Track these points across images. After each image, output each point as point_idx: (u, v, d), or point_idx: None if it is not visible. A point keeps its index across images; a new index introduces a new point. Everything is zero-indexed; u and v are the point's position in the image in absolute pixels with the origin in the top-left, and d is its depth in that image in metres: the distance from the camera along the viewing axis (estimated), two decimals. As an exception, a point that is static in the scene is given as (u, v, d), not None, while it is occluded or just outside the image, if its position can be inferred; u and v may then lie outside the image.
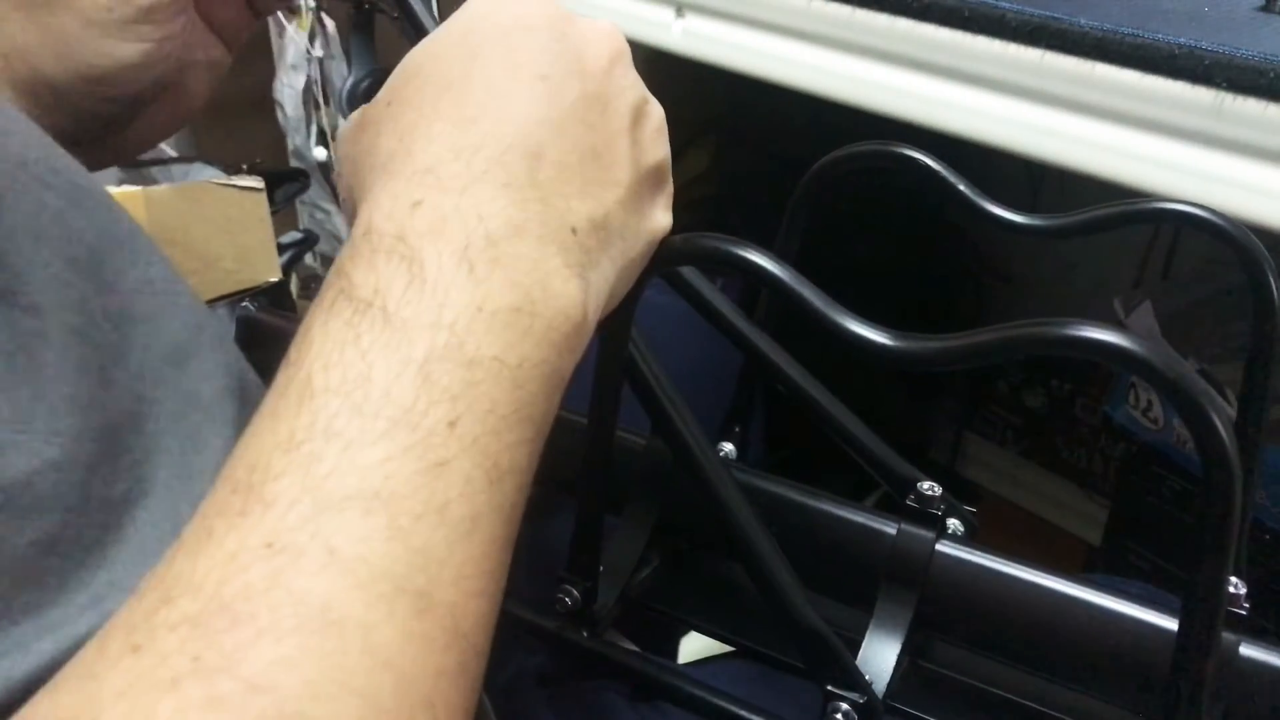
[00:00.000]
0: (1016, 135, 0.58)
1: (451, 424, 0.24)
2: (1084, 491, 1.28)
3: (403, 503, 0.23)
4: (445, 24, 0.32)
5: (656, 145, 0.34)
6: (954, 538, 0.43)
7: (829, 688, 0.39)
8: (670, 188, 0.35)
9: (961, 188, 0.44)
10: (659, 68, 1.27)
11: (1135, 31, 0.53)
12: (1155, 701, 0.39)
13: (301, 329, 0.26)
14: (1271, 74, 0.49)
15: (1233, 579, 0.38)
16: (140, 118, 0.41)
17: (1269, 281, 0.40)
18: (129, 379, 0.27)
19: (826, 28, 0.64)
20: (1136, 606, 0.39)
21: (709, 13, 0.70)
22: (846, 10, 0.62)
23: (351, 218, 0.29)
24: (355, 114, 0.32)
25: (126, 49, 0.37)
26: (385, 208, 0.27)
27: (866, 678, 0.40)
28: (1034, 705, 0.43)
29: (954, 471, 1.37)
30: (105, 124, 0.40)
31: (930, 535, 0.42)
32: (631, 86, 0.32)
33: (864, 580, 0.43)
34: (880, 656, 0.41)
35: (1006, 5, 0.57)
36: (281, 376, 0.25)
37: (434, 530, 0.23)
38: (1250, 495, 0.47)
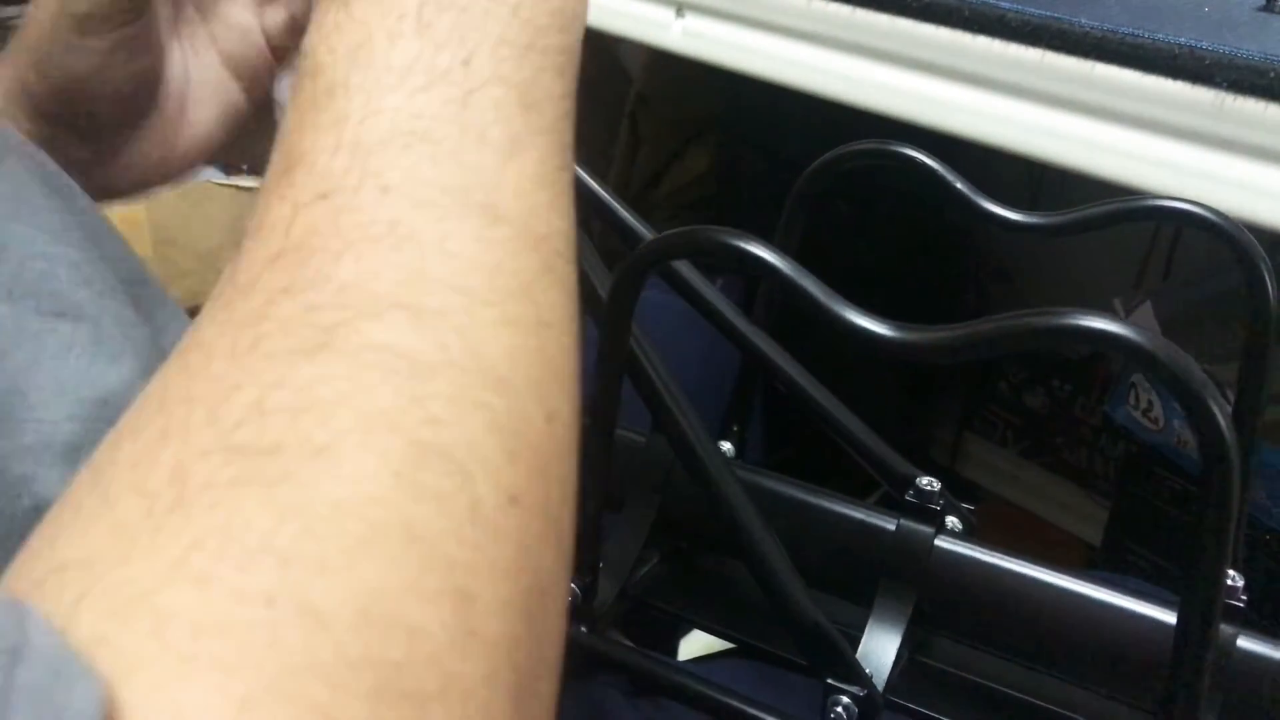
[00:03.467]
0: (1016, 135, 0.58)
1: (465, 61, 0.24)
2: (1084, 491, 1.28)
3: (441, 130, 0.23)
4: None
5: None
6: (952, 533, 0.43)
7: (829, 681, 0.39)
8: None
9: (959, 186, 0.44)
10: (659, 68, 1.28)
11: (1135, 31, 0.53)
12: (1153, 694, 0.39)
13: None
14: (1271, 74, 0.49)
15: (1230, 572, 0.38)
16: (129, 144, 0.41)
17: (1264, 277, 0.40)
18: None
19: (827, 28, 0.64)
20: (1135, 600, 0.40)
21: (709, 13, 0.70)
22: (846, 10, 0.62)
23: None
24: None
25: (74, 58, 0.38)
26: None
27: (866, 672, 0.40)
28: (1033, 699, 0.43)
29: (954, 471, 1.37)
30: (91, 146, 0.41)
31: (929, 530, 0.42)
32: None
33: (863, 576, 0.43)
34: (880, 651, 0.41)
35: (1006, 5, 0.57)
36: (296, 78, 0.25)
37: (479, 152, 0.24)
38: (1247, 488, 0.47)
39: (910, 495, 0.44)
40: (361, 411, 0.19)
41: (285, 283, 0.21)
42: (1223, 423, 0.27)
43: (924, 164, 0.45)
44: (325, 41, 0.25)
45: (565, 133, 0.26)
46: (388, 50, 0.24)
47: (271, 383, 0.19)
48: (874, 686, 0.40)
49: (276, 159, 0.24)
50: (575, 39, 0.28)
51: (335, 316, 0.20)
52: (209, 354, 0.20)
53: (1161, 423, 1.01)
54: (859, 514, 0.44)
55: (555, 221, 0.24)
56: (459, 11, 0.25)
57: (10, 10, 1.15)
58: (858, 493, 0.46)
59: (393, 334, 0.20)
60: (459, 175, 0.23)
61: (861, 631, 0.42)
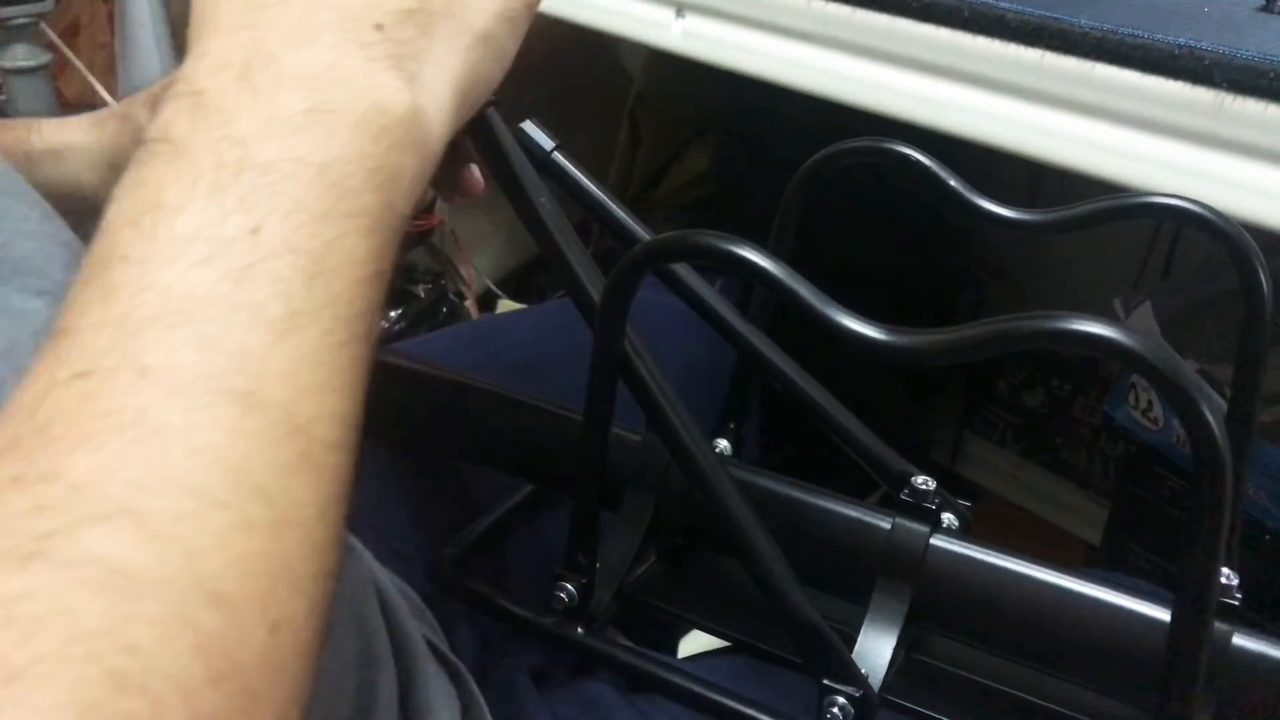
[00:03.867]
0: (1016, 135, 0.58)
1: (254, 230, 0.24)
2: (1084, 491, 1.28)
3: (208, 310, 0.23)
4: None
5: None
6: (949, 531, 0.43)
7: (825, 681, 0.39)
8: None
9: (953, 183, 0.44)
10: (659, 68, 1.28)
11: (1135, 31, 0.53)
12: (1149, 692, 0.39)
13: None
14: (1271, 74, 0.49)
15: (1224, 570, 0.38)
16: None
17: (1259, 274, 0.40)
18: None
19: (827, 28, 0.64)
20: (1130, 598, 0.40)
21: (709, 13, 0.70)
22: (846, 10, 0.62)
23: None
24: None
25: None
26: (180, 71, 0.27)
27: (862, 671, 0.40)
28: (1029, 697, 0.43)
29: (954, 471, 1.37)
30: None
31: (925, 529, 0.42)
32: None
33: (859, 575, 0.43)
34: (876, 650, 0.41)
35: (1006, 5, 0.57)
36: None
37: (247, 334, 0.23)
38: (1241, 487, 0.47)
39: (906, 494, 0.44)
40: (62, 635, 0.18)
41: (16, 471, 0.20)
42: (1213, 423, 0.27)
43: (918, 161, 0.45)
44: (115, 204, 0.24)
45: (363, 299, 0.25)
46: (172, 219, 0.23)
47: None
48: (870, 687, 0.40)
49: (55, 324, 0.23)
50: (396, 196, 0.27)
51: (58, 521, 0.19)
52: None
53: (1161, 422, 1.01)
54: (855, 512, 0.44)
55: (326, 403, 0.24)
56: (257, 174, 0.24)
57: (10, 10, 1.15)
58: (856, 493, 0.46)
59: (111, 545, 0.19)
60: (221, 360, 0.22)
61: (858, 630, 0.42)
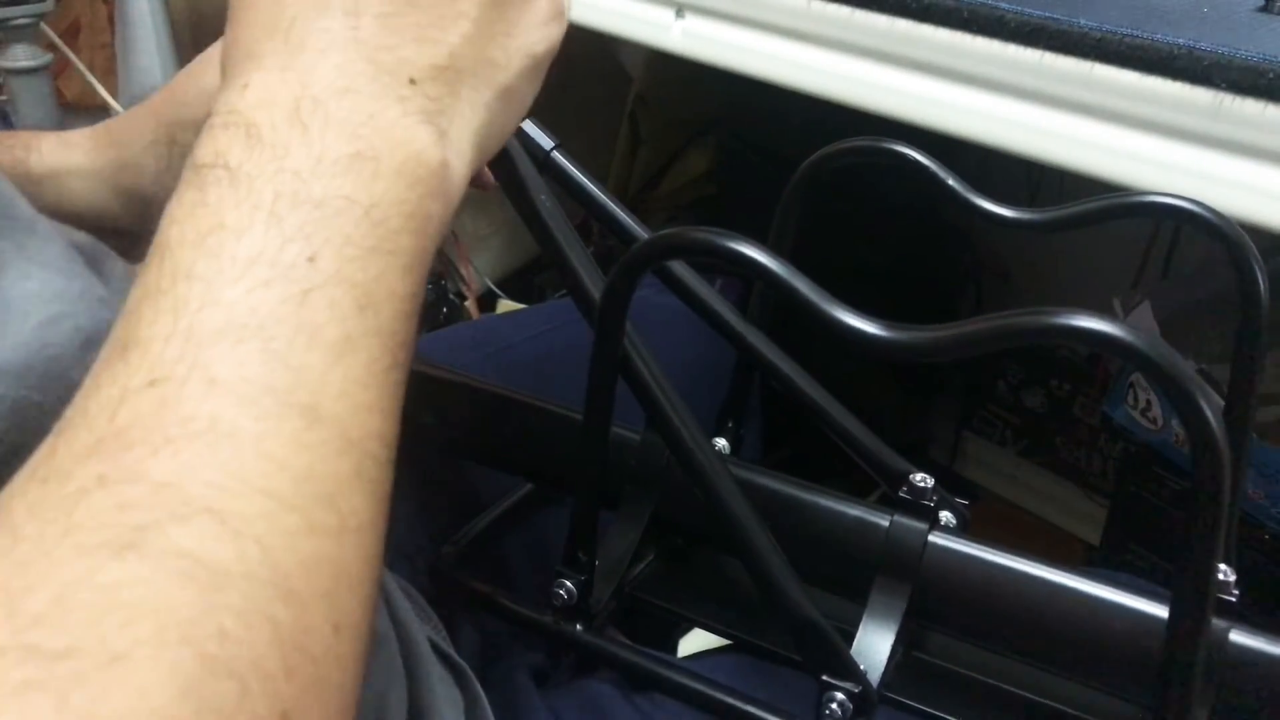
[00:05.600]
0: (1016, 136, 0.58)
1: (311, 259, 0.25)
2: (1083, 491, 1.28)
3: (273, 328, 0.24)
4: None
5: None
6: (947, 529, 0.43)
7: (824, 677, 0.39)
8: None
9: (950, 182, 0.44)
10: (659, 68, 1.28)
11: (1134, 32, 0.53)
12: (1148, 689, 0.39)
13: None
14: (1271, 74, 0.49)
15: (1222, 566, 0.39)
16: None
17: (1255, 272, 0.40)
18: None
19: (826, 28, 0.64)
20: (1128, 595, 0.40)
21: (709, 13, 0.70)
22: (846, 11, 0.62)
23: None
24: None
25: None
26: (217, 101, 0.28)
27: (861, 668, 0.40)
28: (1028, 694, 0.44)
29: (954, 472, 1.37)
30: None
31: (923, 526, 0.43)
32: None
33: (858, 573, 0.43)
34: (875, 647, 0.41)
35: (1006, 6, 0.57)
36: (148, 253, 0.26)
37: (308, 352, 0.24)
38: (1239, 483, 0.47)
39: (904, 491, 0.44)
40: (160, 621, 0.20)
41: (102, 471, 0.21)
42: (1211, 417, 0.28)
43: (915, 160, 0.45)
44: (177, 224, 0.25)
45: (402, 331, 0.27)
46: (236, 241, 0.25)
47: (75, 580, 0.20)
48: (869, 683, 0.40)
49: (116, 333, 0.24)
50: (428, 241, 0.28)
51: (146, 517, 0.21)
52: (15, 537, 0.20)
53: (1160, 422, 1.02)
54: (853, 510, 0.44)
55: (374, 423, 0.25)
56: (312, 208, 0.26)
57: (11, 10, 1.15)
58: (857, 494, 0.46)
59: (198, 541, 0.21)
60: (285, 375, 0.24)
61: (856, 628, 0.42)
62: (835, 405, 0.47)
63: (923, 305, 1.19)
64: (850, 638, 0.41)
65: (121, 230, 0.47)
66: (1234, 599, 0.39)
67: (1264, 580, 0.94)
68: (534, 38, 0.33)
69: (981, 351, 0.29)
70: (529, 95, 0.34)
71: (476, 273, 1.38)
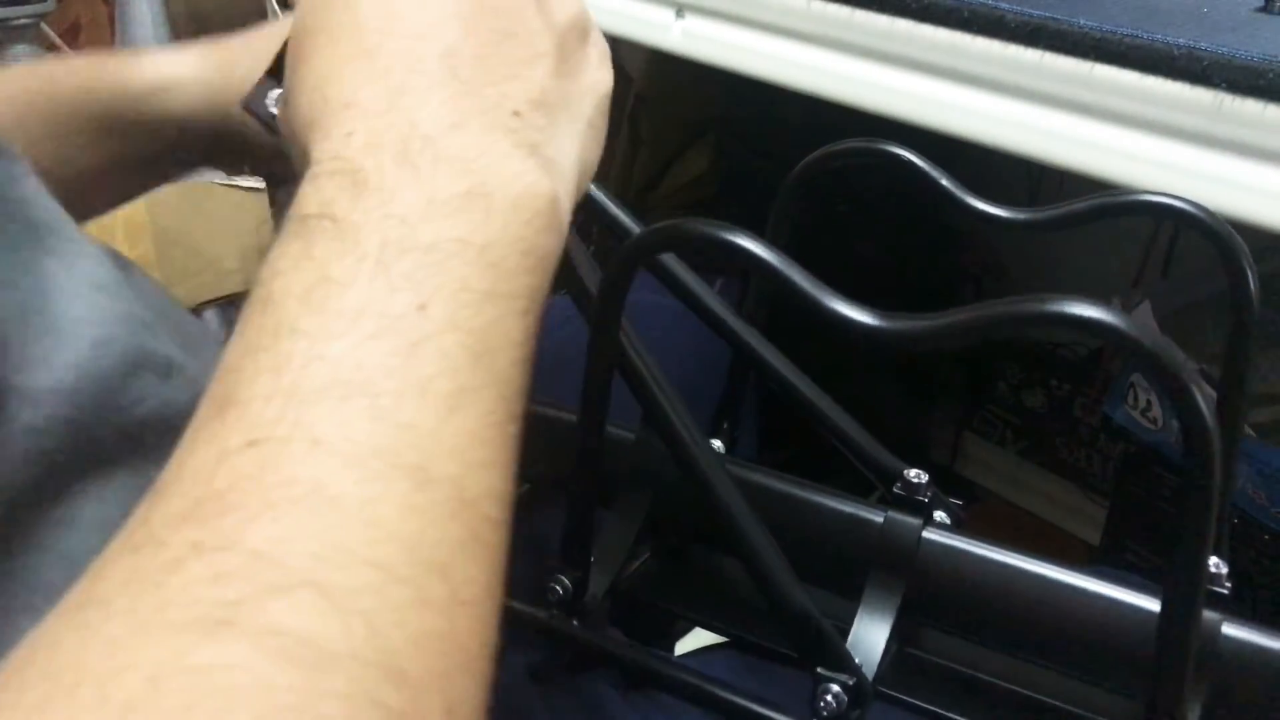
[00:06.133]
0: (1016, 136, 0.58)
1: (421, 306, 0.24)
2: (1083, 491, 1.28)
3: (380, 384, 0.23)
4: None
5: (564, 3, 0.33)
6: (940, 525, 0.43)
7: (819, 670, 0.39)
8: (600, 42, 0.35)
9: (944, 182, 0.44)
10: (659, 68, 1.27)
11: (1134, 32, 0.53)
12: (1140, 682, 0.39)
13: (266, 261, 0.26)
14: (1271, 74, 0.49)
15: (1214, 559, 0.39)
16: None
17: (1245, 271, 0.40)
18: None
19: (826, 29, 0.64)
20: (1121, 589, 0.40)
21: (709, 13, 0.70)
22: (846, 11, 0.62)
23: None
24: (275, 90, 0.33)
25: None
26: (319, 149, 0.27)
27: (856, 660, 0.40)
28: (1021, 689, 0.44)
29: (953, 472, 1.37)
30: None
31: (917, 522, 0.43)
32: None
33: (853, 569, 0.43)
34: (869, 642, 0.41)
35: (1006, 6, 0.57)
36: (246, 305, 0.25)
37: (418, 408, 0.23)
38: (1230, 477, 0.47)
39: (898, 488, 0.44)
40: (259, 709, 0.18)
41: (197, 538, 0.20)
42: (1203, 406, 0.27)
43: (909, 161, 0.45)
44: (280, 277, 0.24)
45: (518, 379, 0.26)
46: (341, 293, 0.24)
47: (168, 660, 0.18)
48: (863, 675, 0.40)
49: (214, 391, 0.23)
50: (544, 280, 0.27)
51: (242, 590, 0.19)
52: (107, 612, 0.19)
53: (1160, 422, 1.02)
54: (848, 507, 0.44)
55: (489, 481, 0.24)
56: (422, 253, 0.24)
57: (11, 10, 1.15)
58: (854, 493, 0.46)
59: (298, 617, 0.19)
60: (393, 433, 0.22)
61: (851, 625, 0.42)
62: (829, 404, 0.47)
63: (922, 305, 1.19)
64: (845, 634, 0.42)
65: (224, 145, 0.46)
66: (1226, 591, 0.39)
67: (1264, 580, 0.94)
68: (595, 78, 0.34)
69: (975, 340, 0.29)
70: (604, 132, 0.34)
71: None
